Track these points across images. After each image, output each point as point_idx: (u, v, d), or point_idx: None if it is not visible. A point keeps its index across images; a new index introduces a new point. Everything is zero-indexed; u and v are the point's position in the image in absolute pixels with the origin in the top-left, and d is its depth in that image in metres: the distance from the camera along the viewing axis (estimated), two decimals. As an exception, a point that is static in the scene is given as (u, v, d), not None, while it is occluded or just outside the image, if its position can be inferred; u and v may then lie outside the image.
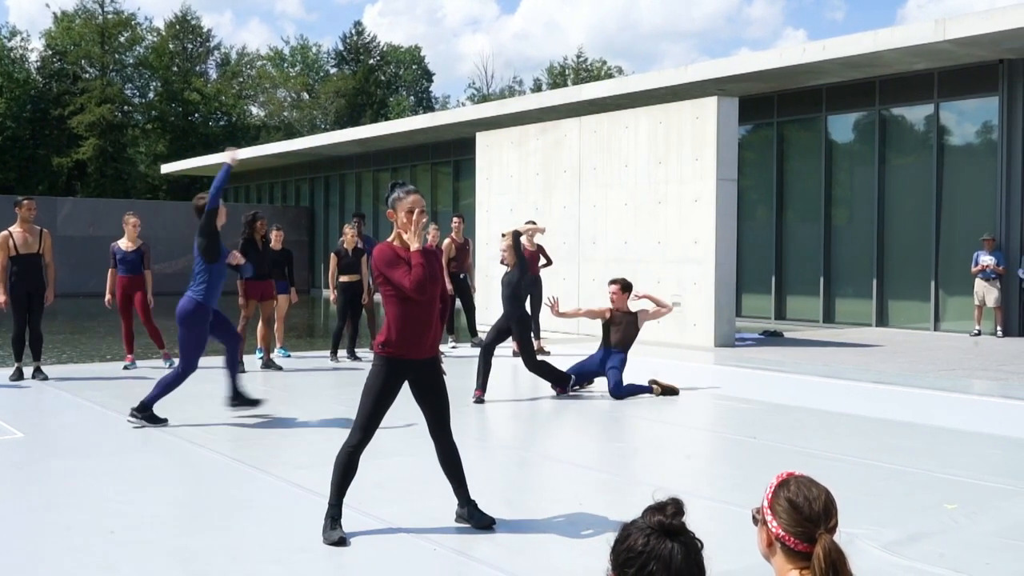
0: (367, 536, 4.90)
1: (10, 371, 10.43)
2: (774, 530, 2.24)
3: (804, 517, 2.20)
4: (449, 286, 13.44)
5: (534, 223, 13.84)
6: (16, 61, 51.77)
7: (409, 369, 4.95)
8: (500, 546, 4.79)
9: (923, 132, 17.83)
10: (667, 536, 1.96)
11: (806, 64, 17.14)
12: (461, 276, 13.94)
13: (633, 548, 1.95)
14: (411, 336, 4.89)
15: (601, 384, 9.88)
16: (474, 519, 5.03)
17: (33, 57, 52.87)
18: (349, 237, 12.41)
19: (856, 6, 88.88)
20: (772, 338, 15.95)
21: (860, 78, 18.09)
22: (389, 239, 5.01)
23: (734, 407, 9.33)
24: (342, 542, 4.75)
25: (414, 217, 4.86)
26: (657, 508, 2.01)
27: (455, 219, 14.11)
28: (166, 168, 40.36)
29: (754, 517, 2.35)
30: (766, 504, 2.28)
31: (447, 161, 28.66)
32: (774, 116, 19.87)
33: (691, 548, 1.97)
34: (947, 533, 5.04)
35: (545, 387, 10.03)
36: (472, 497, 5.09)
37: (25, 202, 10.38)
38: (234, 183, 39.63)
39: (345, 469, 4.92)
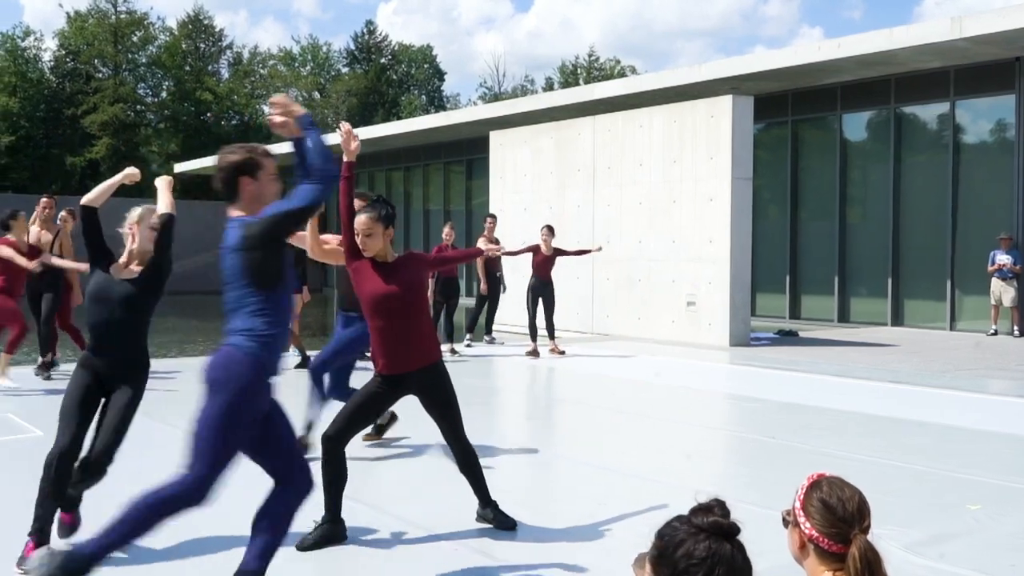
0: (388, 535, 4.90)
1: (30, 370, 10.46)
2: (807, 531, 2.22)
3: (838, 518, 2.19)
4: (484, 285, 13.66)
5: (551, 228, 13.73)
6: (30, 61, 51.93)
7: (398, 384, 4.88)
8: (521, 546, 4.78)
9: (938, 130, 17.74)
10: (725, 537, 1.93)
11: (821, 62, 17.07)
12: (497, 275, 14.06)
13: (694, 554, 1.89)
14: (383, 351, 4.83)
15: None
16: (496, 520, 5.02)
17: (47, 57, 53.05)
18: None
19: (873, 4, 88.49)
20: (787, 337, 15.90)
21: (875, 76, 18.01)
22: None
23: (749, 406, 9.30)
24: (313, 545, 4.66)
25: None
26: (705, 509, 1.97)
27: (488, 219, 14.14)
28: (179, 167, 40.46)
29: (784, 519, 2.33)
30: (798, 505, 2.27)
31: (460, 160, 28.65)
32: (789, 115, 19.81)
33: (743, 547, 1.95)
34: (971, 534, 5.01)
35: (561, 388, 10.02)
36: (493, 498, 5.08)
37: (43, 200, 10.34)
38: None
39: (322, 469, 4.76)
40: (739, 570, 1.90)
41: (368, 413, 4.91)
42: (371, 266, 4.86)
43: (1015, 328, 15.86)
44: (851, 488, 2.25)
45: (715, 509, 1.96)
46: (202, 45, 57.54)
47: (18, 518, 5.24)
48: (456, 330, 13.70)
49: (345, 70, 62.70)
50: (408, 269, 4.89)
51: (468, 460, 5.01)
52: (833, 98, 19.01)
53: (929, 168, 17.75)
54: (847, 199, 19.06)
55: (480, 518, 5.08)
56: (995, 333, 15.91)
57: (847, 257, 18.96)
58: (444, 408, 4.91)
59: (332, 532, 4.73)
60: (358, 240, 4.86)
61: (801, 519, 2.24)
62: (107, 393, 4.64)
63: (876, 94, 18.30)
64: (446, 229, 13.44)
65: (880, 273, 18.28)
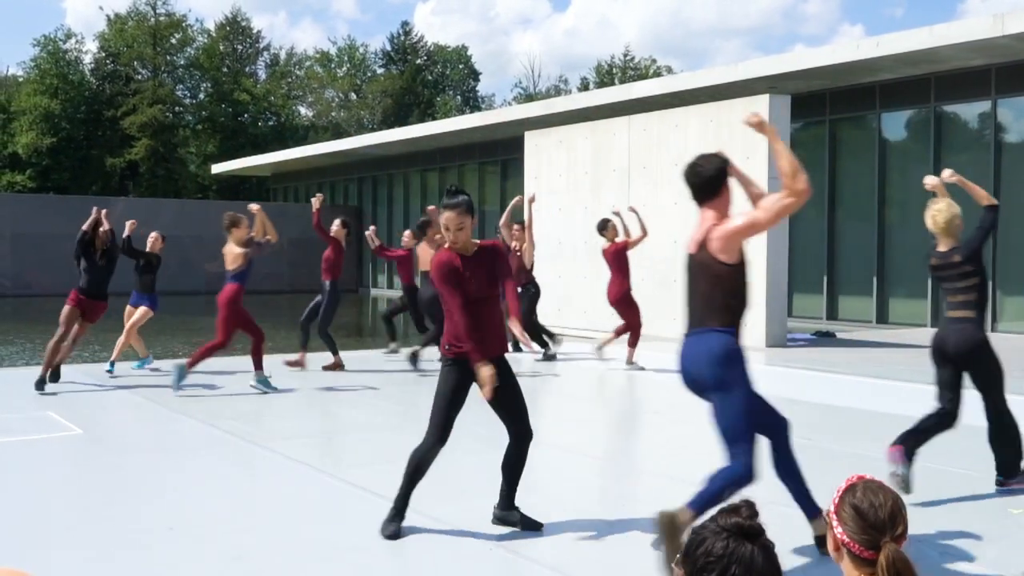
0: (423, 535, 4.91)
1: (71, 368, 10.57)
2: (839, 536, 2.20)
3: (869, 524, 2.16)
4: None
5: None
6: (71, 63, 52.68)
7: (471, 370, 4.87)
8: (555, 546, 4.77)
9: (980, 129, 17.50)
10: (745, 538, 1.92)
11: (860, 61, 16.89)
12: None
13: (712, 552, 1.90)
14: (473, 336, 4.81)
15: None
16: (520, 523, 5.02)
17: (87, 59, 53.81)
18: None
19: (915, 2, 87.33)
20: (824, 339, 15.75)
21: (915, 75, 17.79)
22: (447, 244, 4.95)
23: (784, 408, 9.20)
24: (395, 535, 4.80)
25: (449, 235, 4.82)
26: (731, 510, 1.96)
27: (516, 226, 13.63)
28: (216, 168, 40.80)
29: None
30: (832, 509, 2.25)
31: (495, 160, 28.67)
32: (826, 114, 19.63)
33: (768, 550, 1.93)
34: (1011, 538, 4.94)
35: (589, 387, 10.00)
36: (516, 504, 5.09)
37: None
38: (282, 183, 39.97)
39: (416, 468, 4.90)
40: (759, 571, 1.89)
41: (458, 403, 4.90)
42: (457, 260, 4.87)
43: (1058, 330, 15.62)
44: (886, 493, 2.22)
45: (741, 510, 1.95)
46: (239, 47, 58.06)
47: (50, 513, 5.31)
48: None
49: (381, 71, 63.00)
50: (491, 261, 4.91)
51: (517, 459, 5.01)
52: (872, 97, 18.81)
53: (970, 168, 17.48)
54: (886, 199, 18.85)
55: (496, 519, 5.07)
56: (1037, 335, 15.69)
57: (886, 258, 18.75)
58: (511, 399, 4.92)
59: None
60: (448, 236, 4.83)
61: (834, 523, 2.22)
62: None
63: (916, 93, 18.08)
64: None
65: (919, 274, 18.05)
